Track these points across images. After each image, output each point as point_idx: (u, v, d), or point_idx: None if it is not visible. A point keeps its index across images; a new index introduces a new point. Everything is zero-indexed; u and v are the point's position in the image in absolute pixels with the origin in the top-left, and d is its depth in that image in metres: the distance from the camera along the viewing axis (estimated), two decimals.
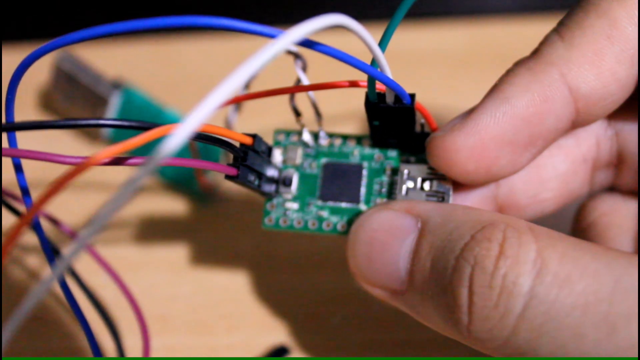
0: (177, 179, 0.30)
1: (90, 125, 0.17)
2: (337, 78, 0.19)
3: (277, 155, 0.23)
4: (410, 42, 0.33)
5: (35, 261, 0.29)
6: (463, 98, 0.29)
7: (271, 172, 0.22)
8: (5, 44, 0.34)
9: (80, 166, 0.15)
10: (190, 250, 0.29)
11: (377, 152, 0.22)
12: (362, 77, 0.19)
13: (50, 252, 0.19)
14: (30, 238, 0.30)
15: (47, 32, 0.35)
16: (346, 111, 0.31)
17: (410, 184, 0.21)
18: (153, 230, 0.30)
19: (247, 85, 0.23)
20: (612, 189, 0.24)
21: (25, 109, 0.33)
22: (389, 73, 0.18)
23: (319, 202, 0.22)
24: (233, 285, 0.28)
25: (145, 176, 0.12)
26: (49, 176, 0.30)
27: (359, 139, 0.23)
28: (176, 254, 0.29)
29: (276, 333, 0.27)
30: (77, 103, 0.31)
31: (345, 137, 0.23)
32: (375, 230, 0.20)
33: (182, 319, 0.28)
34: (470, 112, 0.20)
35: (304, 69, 0.21)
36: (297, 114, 0.22)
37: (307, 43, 0.16)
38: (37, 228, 0.19)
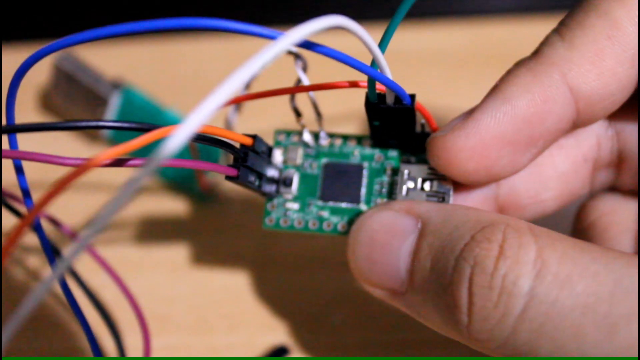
0: (178, 179, 0.30)
1: (91, 127, 0.17)
2: (338, 78, 0.19)
3: (278, 156, 0.23)
4: (410, 42, 0.33)
5: (36, 261, 0.29)
6: (463, 98, 0.29)
7: (271, 173, 0.22)
8: (5, 44, 0.34)
9: (80, 168, 0.15)
10: (190, 250, 0.29)
11: (377, 153, 0.22)
12: (363, 78, 0.19)
13: (51, 253, 0.19)
14: (31, 239, 0.30)
15: (47, 32, 0.35)
16: (346, 111, 0.31)
17: (411, 184, 0.21)
18: (153, 230, 0.30)
19: (247, 86, 0.23)
20: (613, 189, 0.24)
21: (25, 109, 0.33)
22: (388, 74, 0.18)
23: (320, 203, 0.22)
24: (233, 285, 0.28)
25: (144, 177, 0.12)
26: (49, 177, 0.30)
27: (359, 139, 0.23)
28: (176, 254, 0.29)
29: (276, 333, 0.27)
30: (77, 103, 0.31)
31: (345, 138, 0.23)
32: (376, 230, 0.20)
33: (182, 319, 0.28)
34: (471, 112, 0.20)
35: (305, 69, 0.21)
36: (298, 114, 0.22)
37: (307, 44, 0.16)
38: (38, 229, 0.19)
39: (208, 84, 0.34)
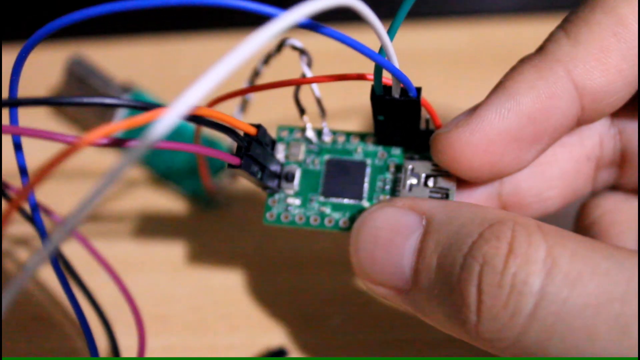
0: (185, 185, 0.30)
1: (94, 104, 0.16)
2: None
3: (280, 151, 0.23)
4: (410, 42, 0.33)
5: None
6: (463, 98, 0.29)
7: (274, 167, 0.22)
8: (5, 44, 0.34)
9: (74, 145, 0.14)
10: (190, 250, 0.29)
11: (380, 149, 0.22)
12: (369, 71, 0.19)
13: (44, 231, 0.19)
14: (26, 230, 0.30)
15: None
16: (349, 107, 0.31)
17: (414, 180, 0.21)
18: (154, 231, 0.30)
19: (252, 81, 0.23)
20: (615, 187, 0.24)
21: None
22: (396, 63, 0.18)
23: (321, 198, 0.22)
24: (233, 286, 0.28)
25: (133, 158, 0.12)
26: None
27: (362, 136, 0.23)
28: (176, 253, 0.29)
29: (276, 333, 0.27)
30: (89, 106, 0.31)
31: (348, 134, 0.23)
32: (379, 227, 0.20)
33: (182, 319, 0.28)
34: (475, 108, 0.20)
35: (309, 64, 0.21)
36: (302, 110, 0.22)
37: (314, 26, 0.16)
38: (34, 210, 0.19)
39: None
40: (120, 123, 0.15)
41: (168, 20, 0.36)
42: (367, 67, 0.36)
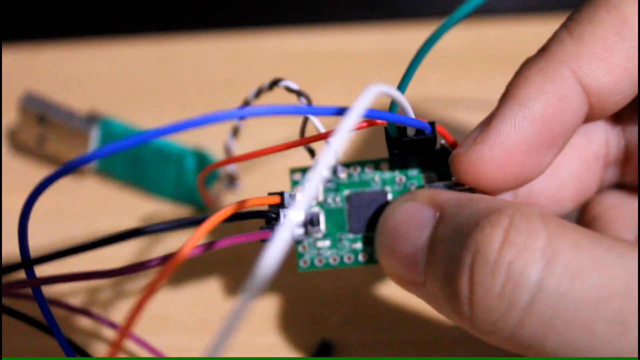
0: (181, 197, 0.30)
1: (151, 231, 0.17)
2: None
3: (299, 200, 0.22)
4: (410, 42, 0.33)
5: None
6: (463, 98, 0.29)
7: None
8: (5, 44, 0.34)
9: (170, 265, 0.15)
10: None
11: (398, 174, 0.22)
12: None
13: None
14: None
15: (47, 32, 0.35)
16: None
17: None
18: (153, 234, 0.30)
19: (235, 134, 0.23)
20: (618, 185, 0.24)
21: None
22: (411, 113, 0.18)
23: (350, 235, 0.22)
24: (233, 285, 0.28)
25: (256, 292, 0.12)
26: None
27: (376, 164, 0.22)
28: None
29: (276, 333, 0.27)
30: (52, 143, 0.30)
31: (362, 164, 0.22)
32: (398, 222, 0.20)
33: (182, 319, 0.28)
34: (489, 122, 0.19)
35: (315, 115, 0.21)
36: (312, 153, 0.22)
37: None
38: None
39: (208, 84, 0.34)
40: (205, 228, 0.17)
41: (168, 20, 0.36)
42: (367, 64, 0.36)
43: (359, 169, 0.22)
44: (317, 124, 0.21)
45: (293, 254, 0.22)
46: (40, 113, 0.29)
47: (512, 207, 0.17)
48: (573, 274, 0.16)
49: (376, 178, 0.22)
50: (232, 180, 0.29)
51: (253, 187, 0.30)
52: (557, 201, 0.22)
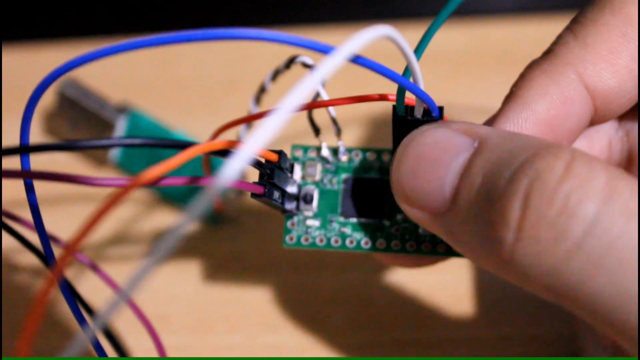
0: (186, 201, 0.30)
1: (112, 145, 0.16)
2: (350, 88, 0.19)
3: (297, 172, 0.22)
4: (410, 42, 0.33)
5: (34, 259, 0.29)
6: (463, 98, 0.29)
7: (292, 189, 0.22)
8: (5, 44, 0.34)
9: (125, 189, 0.14)
10: (190, 251, 0.29)
11: None
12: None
13: (80, 314, 0.18)
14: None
15: (47, 32, 0.35)
16: (353, 113, 0.31)
17: None
18: (154, 233, 0.30)
19: (258, 101, 0.23)
20: None
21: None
22: (421, 85, 0.18)
23: (341, 219, 0.21)
24: (233, 285, 0.28)
25: (208, 203, 0.12)
26: (53, 194, 0.30)
27: (379, 153, 0.22)
28: (177, 254, 0.29)
29: (276, 333, 0.27)
30: (83, 129, 0.31)
31: (365, 151, 0.22)
32: (427, 144, 0.18)
33: (182, 319, 0.28)
34: (492, 122, 0.19)
35: (323, 84, 0.21)
36: (316, 130, 0.22)
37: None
38: (64, 290, 0.18)
39: (208, 84, 0.34)
40: (173, 161, 0.15)
41: (168, 20, 0.36)
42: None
43: (360, 154, 0.22)
44: (322, 92, 0.21)
45: (281, 232, 0.22)
46: (76, 99, 0.31)
47: (570, 147, 0.16)
48: (630, 214, 0.15)
49: (376, 166, 0.22)
50: (240, 191, 0.30)
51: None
52: None
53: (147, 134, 0.30)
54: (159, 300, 0.28)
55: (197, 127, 0.31)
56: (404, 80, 0.17)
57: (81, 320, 0.19)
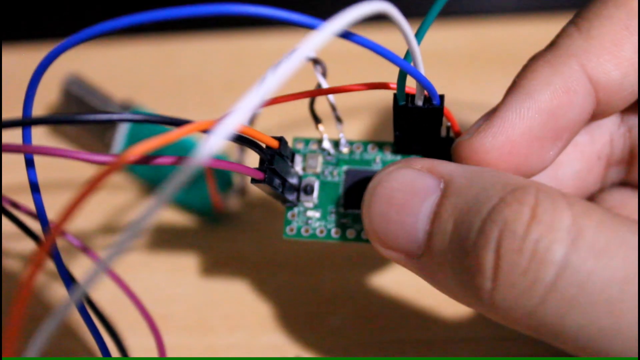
0: (194, 203, 0.30)
1: (119, 120, 0.16)
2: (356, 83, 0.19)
3: (298, 163, 0.22)
4: None
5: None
6: (463, 98, 0.29)
7: (293, 180, 0.22)
8: (5, 44, 0.34)
9: (112, 165, 0.13)
10: (190, 251, 0.29)
11: (399, 159, 0.22)
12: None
13: (68, 277, 0.18)
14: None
15: (47, 32, 0.35)
16: (354, 105, 0.31)
17: None
18: (154, 232, 0.30)
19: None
20: (623, 183, 0.24)
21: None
22: (422, 69, 0.18)
23: (342, 210, 0.22)
24: (233, 285, 0.28)
25: (183, 180, 0.11)
26: (52, 177, 0.30)
27: (380, 146, 0.22)
28: (177, 254, 0.29)
29: (276, 333, 0.27)
30: (87, 126, 0.31)
31: (366, 144, 0.22)
32: (395, 189, 0.19)
33: (182, 319, 0.28)
34: (494, 111, 0.19)
35: (324, 74, 0.21)
36: (317, 121, 0.22)
37: (344, 33, 0.16)
38: (55, 256, 0.18)
39: (208, 84, 0.34)
40: (157, 140, 0.15)
41: (168, 21, 0.36)
42: (367, 63, 0.36)
43: (361, 147, 0.22)
44: (322, 80, 0.21)
45: (281, 232, 0.22)
46: (80, 96, 0.31)
47: (534, 186, 0.17)
48: (598, 252, 0.15)
49: (377, 159, 0.22)
50: (242, 192, 0.30)
51: (262, 195, 0.30)
52: None
53: (150, 132, 0.30)
54: (159, 300, 0.28)
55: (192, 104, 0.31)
56: (405, 64, 0.17)
57: (68, 286, 0.19)
